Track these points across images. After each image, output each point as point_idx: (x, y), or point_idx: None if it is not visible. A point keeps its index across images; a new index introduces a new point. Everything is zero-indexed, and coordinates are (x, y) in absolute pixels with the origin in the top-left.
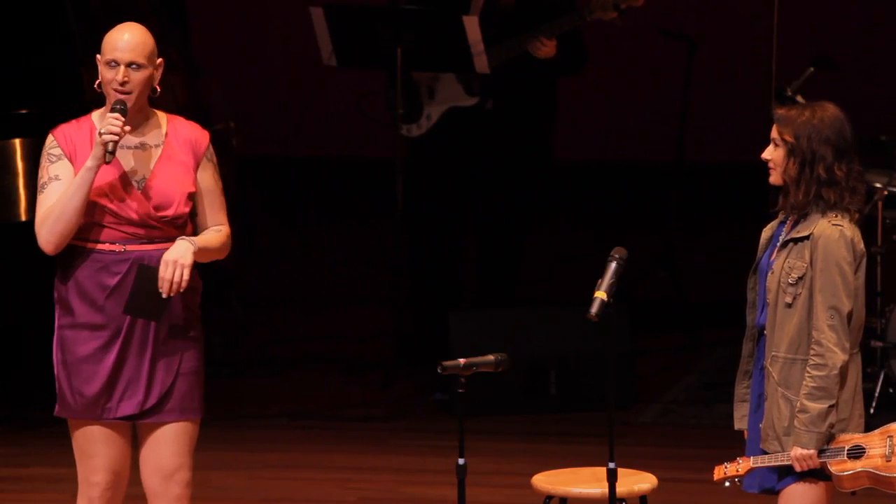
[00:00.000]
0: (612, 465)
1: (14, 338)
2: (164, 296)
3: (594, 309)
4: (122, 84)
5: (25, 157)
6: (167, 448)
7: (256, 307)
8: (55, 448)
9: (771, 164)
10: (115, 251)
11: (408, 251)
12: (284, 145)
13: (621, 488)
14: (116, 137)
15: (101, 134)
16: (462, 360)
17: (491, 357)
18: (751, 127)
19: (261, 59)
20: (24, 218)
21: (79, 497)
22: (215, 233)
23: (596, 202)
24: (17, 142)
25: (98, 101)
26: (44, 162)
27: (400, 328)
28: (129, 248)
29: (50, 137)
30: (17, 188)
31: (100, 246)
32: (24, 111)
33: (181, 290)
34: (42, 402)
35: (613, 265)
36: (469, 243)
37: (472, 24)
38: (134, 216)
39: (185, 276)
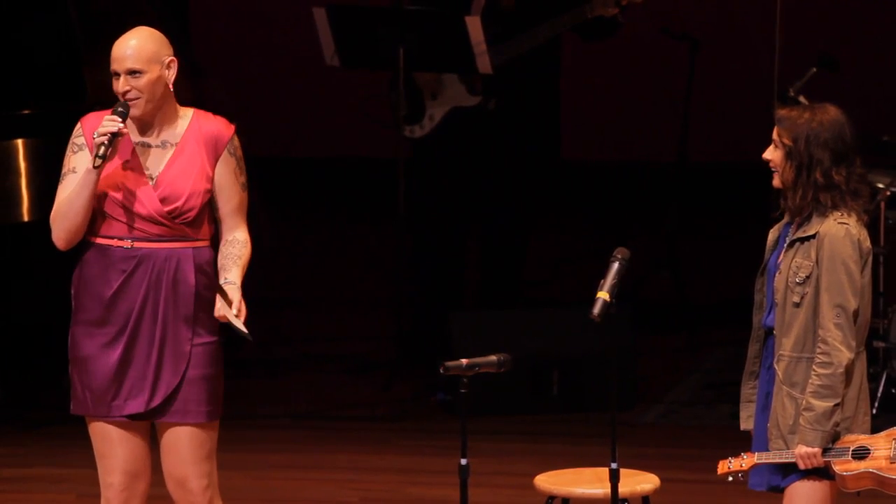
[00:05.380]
0: (614, 465)
1: (16, 338)
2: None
3: (596, 309)
4: (124, 94)
5: (28, 158)
6: (180, 453)
7: (257, 307)
8: (58, 448)
9: (772, 165)
10: (123, 247)
11: (410, 252)
12: (287, 146)
13: (624, 489)
14: (105, 139)
15: (94, 136)
16: (464, 361)
17: (493, 357)
18: (753, 127)
19: (263, 60)
20: (26, 219)
21: (101, 498)
22: (242, 246)
23: (598, 202)
24: (20, 142)
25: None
26: (68, 150)
27: (402, 329)
28: (138, 244)
29: (78, 125)
30: (19, 189)
31: (109, 241)
32: (26, 112)
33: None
34: (45, 403)
35: (616, 266)
36: (472, 244)
37: (474, 25)
38: (142, 211)
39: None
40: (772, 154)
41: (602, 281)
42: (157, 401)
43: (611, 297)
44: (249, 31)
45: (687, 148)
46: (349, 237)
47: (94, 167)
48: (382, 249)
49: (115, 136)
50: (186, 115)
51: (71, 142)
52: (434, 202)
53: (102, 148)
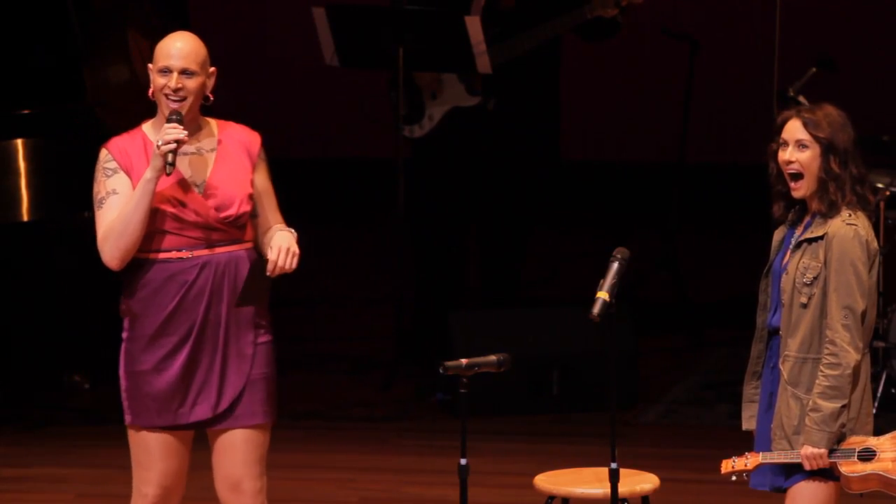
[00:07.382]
0: (614, 465)
1: (16, 338)
2: (270, 277)
3: (596, 309)
4: (176, 91)
5: (27, 158)
6: (236, 456)
7: None
8: (58, 448)
9: (795, 167)
10: (182, 258)
11: (410, 251)
12: (287, 146)
13: (623, 488)
14: (174, 146)
15: (158, 145)
16: (464, 361)
17: (493, 357)
18: (753, 127)
19: (263, 60)
20: (25, 219)
21: (132, 501)
22: (284, 226)
23: (598, 202)
24: (19, 142)
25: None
26: (100, 176)
27: (402, 328)
28: (196, 253)
29: (104, 151)
30: (18, 189)
31: (166, 255)
32: (26, 112)
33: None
34: (45, 403)
35: (615, 265)
36: (472, 244)
37: (473, 24)
38: (199, 220)
39: (295, 264)
40: (796, 154)
41: (602, 281)
42: (224, 404)
43: (611, 296)
44: (249, 31)
45: (687, 148)
46: (349, 237)
47: (167, 174)
48: (382, 249)
49: (178, 143)
50: (213, 124)
51: (101, 167)
52: (434, 202)
53: (171, 155)
